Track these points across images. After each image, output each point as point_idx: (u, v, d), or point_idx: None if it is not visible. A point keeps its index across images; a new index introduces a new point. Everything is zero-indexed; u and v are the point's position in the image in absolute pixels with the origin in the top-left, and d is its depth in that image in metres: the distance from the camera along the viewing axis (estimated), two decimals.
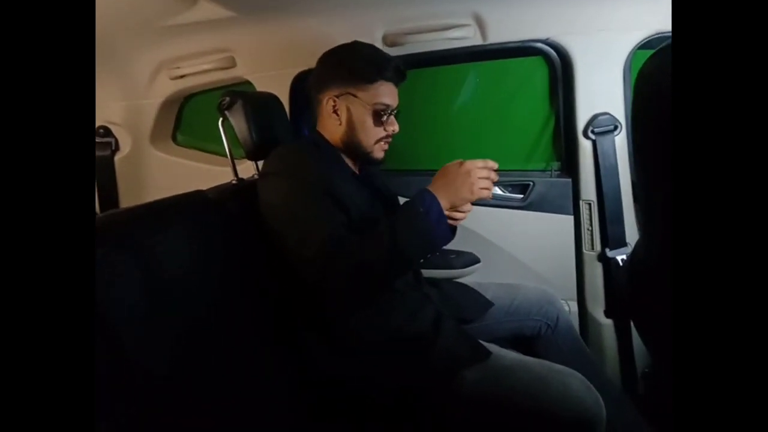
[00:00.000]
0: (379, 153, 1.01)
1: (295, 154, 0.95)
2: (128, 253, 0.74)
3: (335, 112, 0.99)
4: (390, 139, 1.02)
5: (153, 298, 0.75)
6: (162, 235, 0.83)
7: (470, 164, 0.85)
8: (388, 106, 0.98)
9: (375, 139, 0.99)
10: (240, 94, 1.11)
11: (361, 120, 0.97)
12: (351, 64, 0.97)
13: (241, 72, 1.50)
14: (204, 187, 1.04)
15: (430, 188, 0.86)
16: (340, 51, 1.01)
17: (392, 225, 0.82)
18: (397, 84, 1.00)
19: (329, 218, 0.85)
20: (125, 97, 1.63)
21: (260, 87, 1.48)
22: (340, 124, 0.99)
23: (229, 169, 1.20)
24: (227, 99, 1.08)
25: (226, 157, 1.19)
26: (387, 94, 0.98)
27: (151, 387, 0.70)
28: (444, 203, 0.84)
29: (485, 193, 0.85)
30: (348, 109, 0.98)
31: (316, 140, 1.02)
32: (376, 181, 1.10)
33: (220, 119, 1.14)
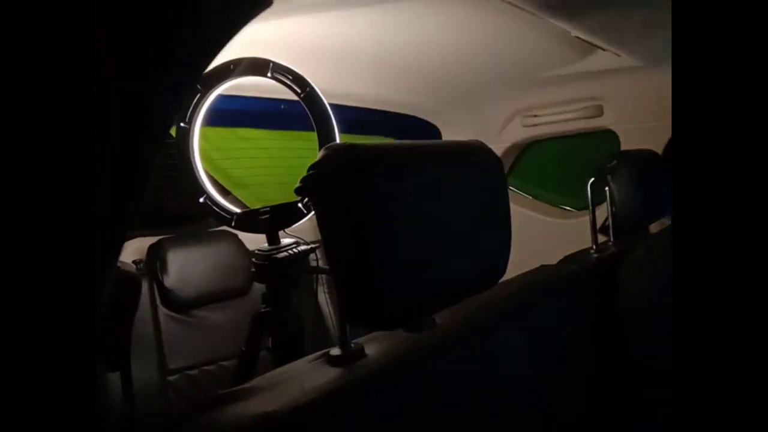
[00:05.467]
0: None
1: None
2: None
3: None
4: None
5: None
6: None
7: None
8: None
9: None
10: (627, 159, 0.99)
11: None
12: None
13: (607, 122, 1.38)
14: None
15: None
16: None
17: None
18: None
19: None
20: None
21: (626, 139, 1.33)
22: None
23: (552, 220, 1.12)
24: (614, 162, 0.98)
25: (558, 207, 1.12)
26: None
27: None
28: None
29: None
30: None
31: None
32: None
33: (590, 180, 1.03)
